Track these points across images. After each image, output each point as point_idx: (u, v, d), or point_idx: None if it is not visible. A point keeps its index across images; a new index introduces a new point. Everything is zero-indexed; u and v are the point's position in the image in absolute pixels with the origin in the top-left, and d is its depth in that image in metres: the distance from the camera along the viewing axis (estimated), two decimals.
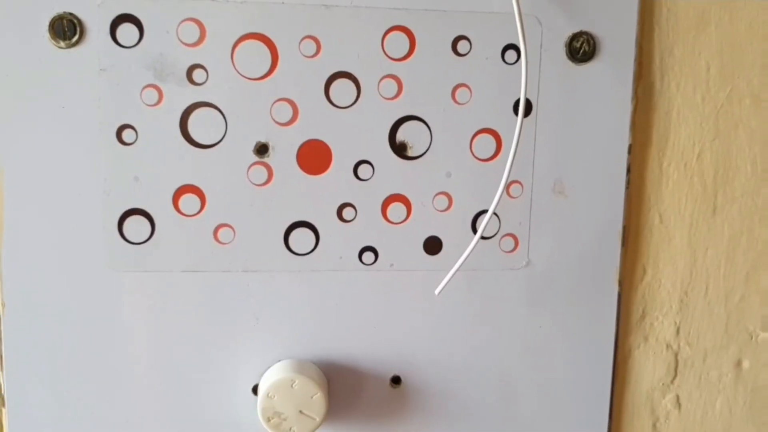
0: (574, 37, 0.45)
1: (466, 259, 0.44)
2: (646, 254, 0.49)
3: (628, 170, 0.47)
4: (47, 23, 0.41)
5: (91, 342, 0.44)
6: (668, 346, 0.50)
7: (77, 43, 0.41)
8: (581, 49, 0.45)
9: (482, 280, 0.47)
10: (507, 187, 0.46)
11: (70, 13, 0.41)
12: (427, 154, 0.45)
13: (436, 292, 0.44)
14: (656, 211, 0.49)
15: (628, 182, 0.47)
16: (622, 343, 0.50)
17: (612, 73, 0.46)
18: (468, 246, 0.45)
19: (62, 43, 0.41)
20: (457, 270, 0.44)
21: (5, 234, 0.42)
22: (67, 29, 0.41)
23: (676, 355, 0.51)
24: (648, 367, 0.50)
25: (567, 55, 0.45)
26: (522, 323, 0.47)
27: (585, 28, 0.45)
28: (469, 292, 0.46)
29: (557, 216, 0.47)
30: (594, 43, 0.45)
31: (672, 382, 0.51)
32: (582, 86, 0.46)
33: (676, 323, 0.50)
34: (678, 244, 0.49)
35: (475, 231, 0.46)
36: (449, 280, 0.44)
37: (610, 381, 0.49)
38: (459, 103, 0.45)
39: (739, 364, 0.51)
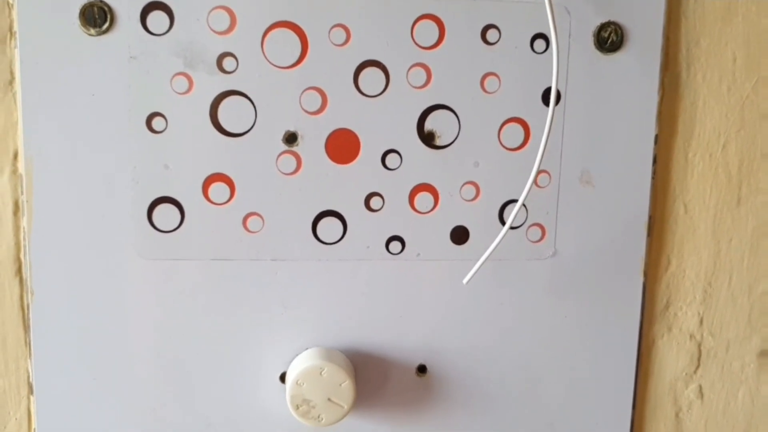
0: (602, 27, 0.45)
1: (494, 250, 0.44)
2: (671, 244, 0.49)
3: (654, 160, 0.47)
4: (78, 10, 0.41)
5: (120, 330, 0.44)
6: (691, 336, 0.50)
7: (107, 30, 0.41)
8: (609, 39, 0.45)
9: (508, 270, 0.47)
10: (535, 176, 0.46)
11: (101, 1, 0.41)
12: (455, 143, 0.45)
13: (464, 281, 0.45)
14: (681, 201, 0.49)
15: (654, 173, 0.47)
16: (646, 333, 0.50)
17: (639, 63, 0.46)
18: (495, 236, 0.45)
19: (93, 31, 0.41)
20: (486, 259, 0.44)
21: (35, 222, 0.42)
22: (97, 16, 0.41)
23: (699, 346, 0.51)
24: (671, 357, 0.50)
25: (595, 44, 0.45)
26: (547, 313, 0.48)
27: (613, 18, 0.45)
28: (495, 281, 0.47)
29: (584, 206, 0.47)
30: (622, 33, 0.45)
31: (695, 372, 0.51)
32: (609, 76, 0.46)
33: (699, 314, 0.50)
34: (702, 234, 0.49)
35: (502, 221, 0.46)
36: (477, 270, 0.44)
37: (634, 371, 0.49)
38: (488, 92, 0.45)
39: (762, 354, 0.51)
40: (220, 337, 0.45)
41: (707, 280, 0.50)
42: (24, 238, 0.43)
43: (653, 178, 0.47)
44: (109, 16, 0.41)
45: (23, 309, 0.44)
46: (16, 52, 0.41)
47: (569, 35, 0.45)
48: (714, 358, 0.51)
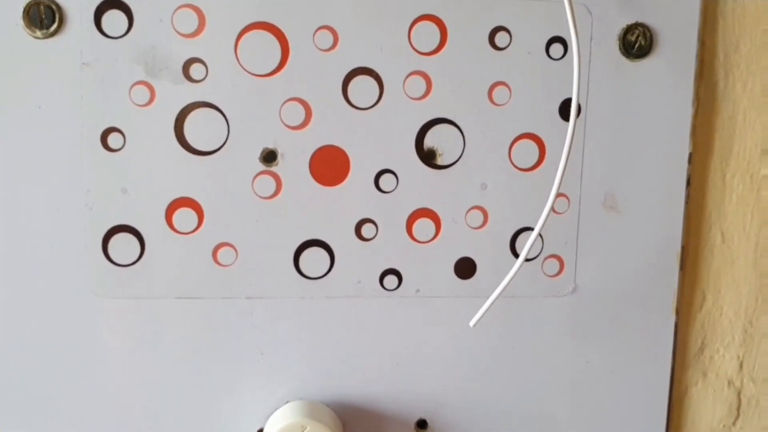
0: (629, 29, 0.39)
1: (506, 286, 0.38)
2: (706, 278, 0.43)
3: (688, 182, 0.41)
4: (21, 9, 0.35)
5: (72, 378, 0.38)
6: (730, 382, 0.44)
7: (56, 32, 0.36)
8: (636, 43, 0.39)
9: (522, 309, 0.41)
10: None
11: None
12: (459, 162, 0.39)
13: (471, 323, 0.38)
14: (718, 229, 0.43)
15: (688, 196, 0.41)
16: (679, 379, 0.44)
17: (670, 71, 0.40)
18: (507, 269, 0.39)
19: (38, 33, 0.35)
20: (496, 299, 0.37)
21: None
22: (44, 16, 0.35)
23: (738, 393, 0.45)
24: (707, 406, 0.44)
25: (620, 49, 0.39)
26: (567, 357, 0.41)
27: (641, 20, 0.39)
28: (507, 322, 0.40)
29: (608, 235, 0.41)
30: (651, 36, 0.39)
31: (734, 423, 0.45)
32: (637, 86, 0.40)
33: (738, 357, 0.44)
34: (742, 266, 0.43)
35: (514, 252, 0.40)
36: (487, 310, 0.38)
37: (665, 422, 0.44)
38: (496, 104, 0.39)
39: None
40: (187, 389, 0.39)
41: (747, 318, 0.44)
42: None
43: (687, 202, 0.41)
44: (57, 16, 0.35)
45: None
46: None
47: (591, 39, 0.39)
48: (755, 407, 0.45)
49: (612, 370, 0.42)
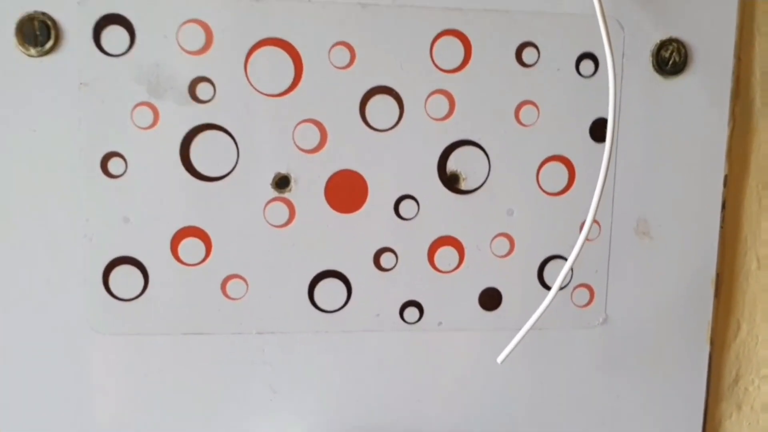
0: (663, 45, 0.37)
1: (538, 319, 0.35)
2: (741, 306, 0.41)
3: (723, 206, 0.39)
4: (14, 25, 0.33)
5: (71, 420, 0.35)
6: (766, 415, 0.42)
7: (52, 50, 0.33)
8: (670, 59, 0.37)
9: (550, 341, 0.38)
10: (581, 226, 0.37)
11: (43, 13, 0.33)
12: (484, 186, 0.36)
13: (499, 360, 0.36)
14: (754, 254, 0.40)
15: (723, 220, 0.39)
16: (712, 411, 0.42)
17: (705, 88, 0.38)
18: (534, 300, 0.36)
19: (33, 51, 0.33)
20: (526, 333, 0.35)
21: None
22: (39, 33, 0.33)
23: None
24: None
25: (654, 66, 0.37)
26: (598, 392, 0.39)
27: (675, 35, 0.37)
28: (534, 356, 0.38)
29: (640, 262, 0.38)
30: (685, 52, 0.37)
31: None
32: (670, 104, 0.37)
33: None
34: None
35: (542, 281, 0.37)
36: (516, 345, 0.35)
37: None
38: (524, 125, 0.36)
39: None
40: (195, 429, 0.36)
41: None
42: None
43: (722, 227, 0.39)
44: (53, 33, 0.33)
45: None
46: None
47: (622, 55, 0.37)
48: None
49: (644, 405, 0.40)
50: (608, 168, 0.34)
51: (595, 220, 0.38)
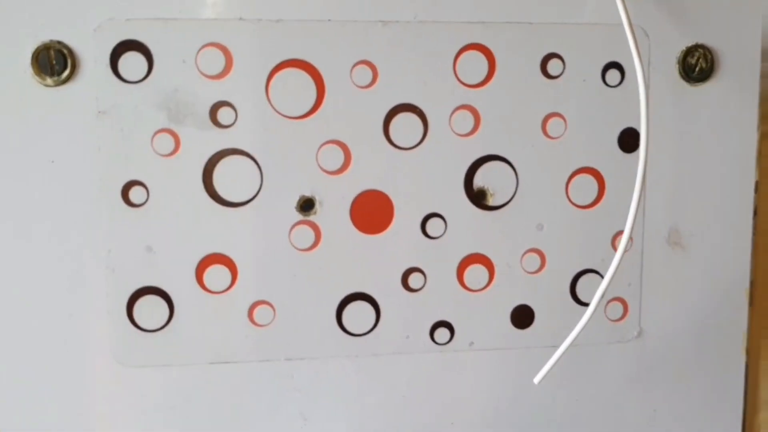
0: (689, 51, 0.36)
1: (570, 335, 0.34)
2: None
3: (755, 212, 0.38)
4: (30, 55, 0.32)
5: None
6: None
7: (69, 79, 0.32)
8: (697, 66, 0.36)
9: (584, 357, 0.37)
10: (613, 239, 0.37)
11: (59, 42, 0.32)
12: (512, 202, 0.36)
13: (536, 380, 0.35)
14: None
15: (755, 227, 0.38)
16: (750, 424, 0.41)
17: (733, 94, 0.37)
18: (567, 316, 0.36)
19: (49, 80, 0.32)
20: (563, 353, 0.34)
21: None
22: (55, 62, 0.32)
23: None
24: None
25: (680, 73, 0.36)
26: (633, 407, 0.38)
27: (701, 41, 0.36)
28: (569, 373, 0.37)
29: (673, 273, 0.38)
30: (712, 58, 0.36)
31: None
32: (698, 111, 0.37)
33: None
34: None
35: (575, 297, 0.37)
36: (553, 365, 0.34)
37: None
38: (551, 137, 0.36)
39: None
40: None
41: None
42: None
43: (754, 234, 0.38)
44: (69, 62, 0.32)
45: None
46: None
47: (648, 63, 0.36)
48: None
49: (681, 419, 0.39)
50: (644, 178, 0.33)
51: None
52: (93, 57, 0.32)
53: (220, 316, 0.35)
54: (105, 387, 0.34)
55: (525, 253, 0.36)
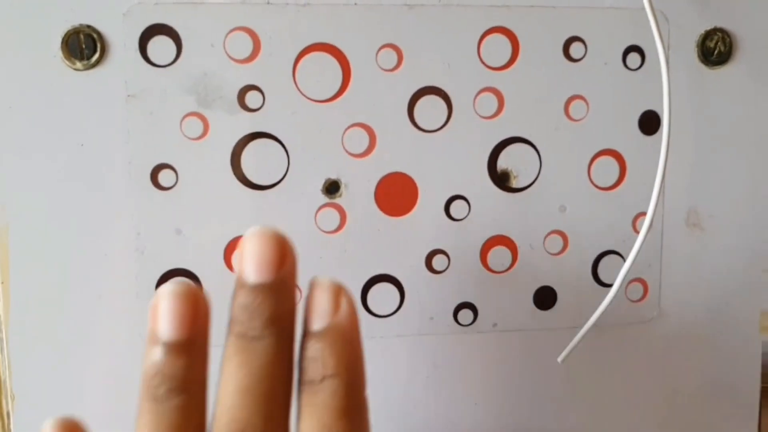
0: (707, 35, 0.37)
1: (592, 315, 0.35)
2: None
3: None
4: (60, 40, 0.32)
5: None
6: None
7: (98, 63, 0.33)
8: (716, 49, 0.37)
9: (605, 338, 0.38)
10: (633, 220, 0.37)
11: (88, 26, 0.32)
12: (535, 184, 0.36)
13: (559, 359, 0.35)
14: None
15: None
16: None
17: (751, 77, 0.38)
18: (589, 297, 0.36)
19: (79, 64, 0.32)
20: (587, 332, 0.35)
21: (12, 308, 0.33)
22: (85, 46, 0.32)
23: None
24: None
25: (699, 57, 0.37)
26: (653, 386, 0.39)
27: (719, 25, 0.37)
28: (590, 353, 0.38)
29: (692, 254, 0.38)
30: (730, 42, 0.37)
31: None
32: (717, 94, 0.37)
33: None
34: None
35: (596, 278, 0.37)
36: (576, 344, 0.35)
37: None
38: (574, 120, 0.36)
39: None
40: None
41: None
42: (0, 330, 0.34)
43: None
44: (99, 46, 0.32)
45: (2, 418, 0.35)
46: None
47: (668, 46, 0.36)
48: None
49: (700, 397, 0.39)
50: (666, 161, 0.33)
51: (646, 213, 0.37)
52: (122, 41, 0.33)
53: None
54: (133, 367, 0.35)
55: (548, 234, 0.37)
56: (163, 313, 0.25)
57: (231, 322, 0.26)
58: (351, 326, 0.25)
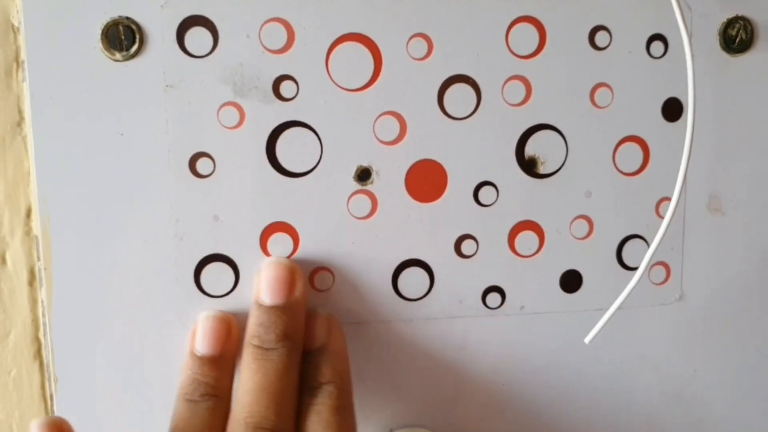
0: (729, 23, 0.37)
1: (616, 298, 0.36)
2: None
3: None
4: (99, 31, 0.33)
5: (162, 411, 0.36)
6: None
7: (137, 54, 0.33)
8: (737, 37, 0.38)
9: (628, 320, 0.39)
10: (657, 205, 0.38)
11: (127, 18, 0.33)
12: (562, 170, 0.37)
13: (587, 340, 0.36)
14: None
15: None
16: None
17: None
18: (614, 281, 0.37)
19: (118, 55, 0.33)
20: (612, 314, 0.36)
21: (55, 294, 0.34)
22: (124, 37, 0.33)
23: None
24: None
25: (721, 44, 0.38)
26: (674, 367, 0.40)
27: (740, 12, 0.37)
28: (614, 334, 0.39)
29: (713, 238, 0.39)
30: (751, 29, 0.38)
31: None
32: (738, 81, 0.38)
33: None
34: None
35: (620, 261, 0.38)
36: (603, 326, 0.36)
37: None
38: (599, 107, 0.37)
39: None
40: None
41: None
42: (43, 314, 0.35)
43: None
44: (138, 37, 0.33)
45: (45, 400, 0.36)
46: (25, 85, 0.33)
47: (691, 34, 0.37)
48: None
49: (720, 378, 0.41)
50: (691, 147, 0.34)
51: (669, 198, 0.38)
52: (160, 32, 0.33)
53: None
54: (173, 350, 0.36)
55: (574, 219, 0.38)
56: (200, 333, 0.33)
57: (249, 336, 0.32)
58: (341, 346, 0.34)
